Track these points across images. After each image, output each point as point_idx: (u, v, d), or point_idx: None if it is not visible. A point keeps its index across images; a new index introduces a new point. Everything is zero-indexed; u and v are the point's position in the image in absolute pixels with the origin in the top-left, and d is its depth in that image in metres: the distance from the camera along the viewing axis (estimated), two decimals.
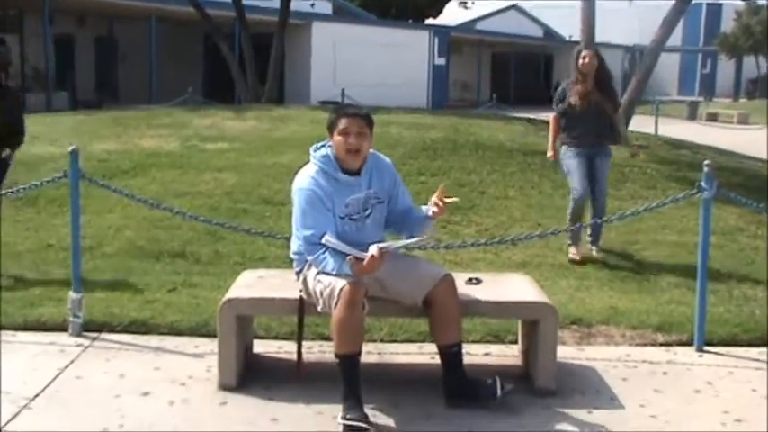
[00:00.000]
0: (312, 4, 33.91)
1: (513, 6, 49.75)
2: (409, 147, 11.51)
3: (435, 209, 4.30)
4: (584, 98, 7.23)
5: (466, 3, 37.75)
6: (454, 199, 4.42)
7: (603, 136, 7.40)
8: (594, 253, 7.44)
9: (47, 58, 25.32)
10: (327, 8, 37.19)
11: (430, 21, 47.00)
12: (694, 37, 56.46)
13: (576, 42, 20.51)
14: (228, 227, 6.20)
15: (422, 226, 4.41)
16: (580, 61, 7.28)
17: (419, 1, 45.83)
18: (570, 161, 7.38)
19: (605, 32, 35.56)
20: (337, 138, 4.25)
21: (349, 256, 4.03)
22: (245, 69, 21.05)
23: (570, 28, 40.38)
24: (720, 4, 56.97)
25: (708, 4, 56.45)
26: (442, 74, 37.52)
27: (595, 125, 7.28)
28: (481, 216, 8.78)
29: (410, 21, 43.50)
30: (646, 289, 6.58)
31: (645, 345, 5.30)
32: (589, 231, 7.52)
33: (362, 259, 4.01)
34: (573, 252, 7.34)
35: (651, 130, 19.48)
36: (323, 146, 4.36)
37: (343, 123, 4.25)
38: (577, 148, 7.34)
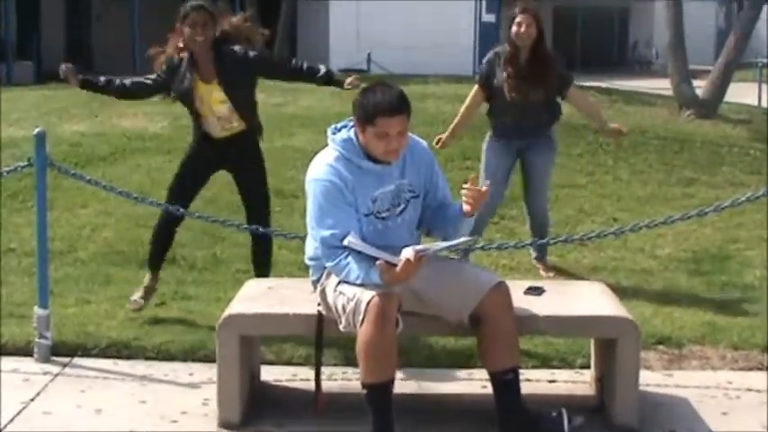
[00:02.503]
0: None
1: None
2: (450, 124, 11.44)
3: (469, 202, 4.24)
4: (514, 80, 6.61)
5: None
6: (484, 188, 4.32)
7: (541, 124, 6.81)
8: (542, 271, 6.96)
9: (7, 20, 25.53)
10: None
11: None
12: None
13: None
14: (230, 225, 6.18)
15: (458, 225, 4.37)
16: (513, 28, 6.62)
17: None
18: (491, 154, 6.92)
19: None
20: (373, 139, 4.17)
21: (378, 261, 4.00)
22: None
23: None
24: None
25: None
26: (491, 33, 37.28)
27: (528, 112, 6.67)
28: None
29: None
30: (750, 299, 6.51)
31: (750, 369, 5.25)
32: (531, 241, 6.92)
33: (395, 265, 3.98)
34: None
35: (753, 100, 19.29)
36: (344, 127, 4.33)
37: (382, 125, 4.14)
38: (504, 139, 6.85)
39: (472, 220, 4.40)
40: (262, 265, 6.00)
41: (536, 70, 6.59)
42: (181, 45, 5.78)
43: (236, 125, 5.80)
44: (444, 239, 4.31)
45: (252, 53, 5.85)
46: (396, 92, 4.22)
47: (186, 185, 5.99)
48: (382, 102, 4.16)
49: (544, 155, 6.90)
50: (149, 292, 6.02)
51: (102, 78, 5.98)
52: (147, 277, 6.08)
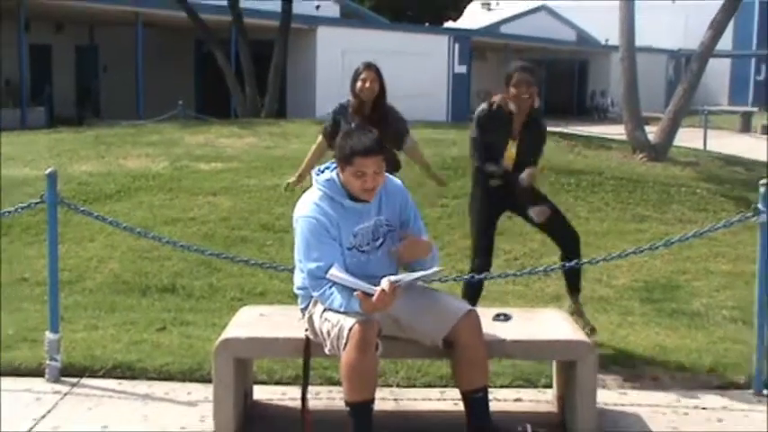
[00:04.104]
0: (317, 7, 34.12)
1: (542, 7, 49.89)
2: (419, 166, 11.48)
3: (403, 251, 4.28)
4: None
5: (489, 4, 37.89)
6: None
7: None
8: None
9: (21, 70, 25.53)
10: (335, 11, 37.40)
11: (449, 24, 47.20)
12: (746, 40, 56.38)
13: (614, 47, 20.54)
14: (224, 257, 6.20)
15: (431, 259, 4.39)
16: (358, 84, 6.53)
17: (437, 3, 46.05)
18: None
19: (647, 35, 35.63)
20: (351, 178, 4.21)
21: (356, 292, 4.03)
22: (242, 80, 21.18)
23: (606, 30, 40.52)
24: None
25: (761, 2, 56.52)
26: (463, 83, 37.59)
27: None
28: (510, 243, 8.76)
29: (427, 24, 43.71)
30: (697, 325, 6.54)
31: (697, 388, 5.26)
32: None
33: (372, 295, 4.01)
34: None
35: (700, 145, 19.47)
36: (327, 168, 4.37)
37: (358, 164, 4.18)
38: None
39: (436, 256, 4.43)
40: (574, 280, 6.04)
41: (375, 122, 6.34)
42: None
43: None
44: (423, 269, 4.33)
45: (545, 127, 5.91)
46: (372, 135, 4.26)
47: (489, 233, 5.89)
48: (358, 144, 4.20)
49: None
50: None
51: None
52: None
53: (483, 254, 5.86)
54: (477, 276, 5.80)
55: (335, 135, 6.47)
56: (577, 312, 5.93)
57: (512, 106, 5.70)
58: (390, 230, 4.37)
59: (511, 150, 5.75)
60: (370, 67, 6.60)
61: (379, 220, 4.34)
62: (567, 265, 5.80)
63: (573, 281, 6.06)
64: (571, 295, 6.06)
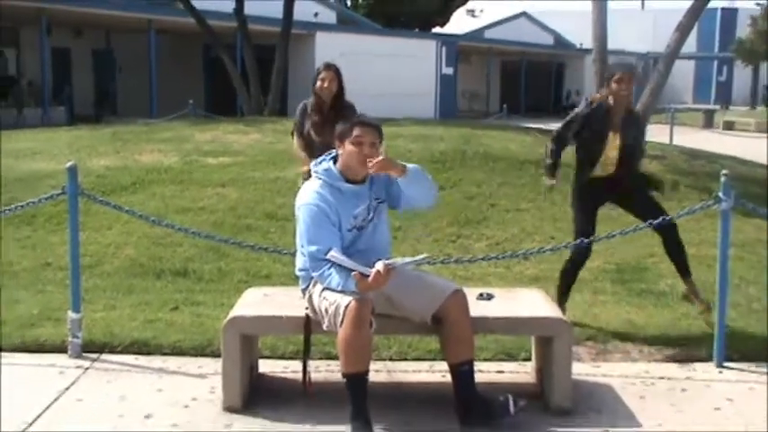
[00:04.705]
0: (316, 14, 34.07)
1: (523, 14, 49.89)
2: (417, 159, 11.46)
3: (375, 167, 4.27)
4: (317, 125, 6.39)
5: (474, 11, 37.87)
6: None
7: None
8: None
9: (43, 72, 25.46)
10: (332, 18, 37.33)
11: (437, 30, 47.14)
12: (709, 43, 56.45)
13: (588, 50, 20.54)
14: (232, 243, 6.20)
15: (420, 179, 4.39)
16: (318, 83, 6.39)
17: (426, 9, 45.96)
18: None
19: (618, 39, 35.62)
20: (350, 147, 4.28)
21: (353, 273, 4.04)
22: (247, 81, 21.13)
23: (581, 35, 40.54)
24: (736, 9, 57.09)
25: (723, 8, 56.55)
26: (449, 84, 37.59)
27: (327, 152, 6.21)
28: (492, 229, 8.77)
29: (417, 30, 43.64)
30: (663, 303, 6.56)
31: (663, 361, 5.29)
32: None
33: (368, 275, 4.03)
34: None
35: (666, 140, 19.48)
36: (323, 160, 4.42)
37: (357, 132, 4.28)
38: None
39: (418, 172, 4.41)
40: (677, 252, 5.95)
41: (334, 118, 6.12)
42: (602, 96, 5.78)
43: (612, 168, 5.80)
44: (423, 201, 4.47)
45: (643, 122, 5.89)
46: (373, 120, 4.39)
47: (589, 222, 5.94)
48: (358, 119, 4.39)
49: None
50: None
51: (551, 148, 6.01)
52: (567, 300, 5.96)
53: (587, 236, 5.86)
54: (575, 259, 5.93)
55: (302, 131, 6.51)
56: (693, 293, 5.91)
57: (610, 101, 5.71)
58: (380, 203, 4.44)
59: (614, 142, 5.74)
60: (329, 67, 6.50)
61: (371, 197, 4.40)
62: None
63: (682, 265, 5.99)
64: (684, 278, 5.98)
